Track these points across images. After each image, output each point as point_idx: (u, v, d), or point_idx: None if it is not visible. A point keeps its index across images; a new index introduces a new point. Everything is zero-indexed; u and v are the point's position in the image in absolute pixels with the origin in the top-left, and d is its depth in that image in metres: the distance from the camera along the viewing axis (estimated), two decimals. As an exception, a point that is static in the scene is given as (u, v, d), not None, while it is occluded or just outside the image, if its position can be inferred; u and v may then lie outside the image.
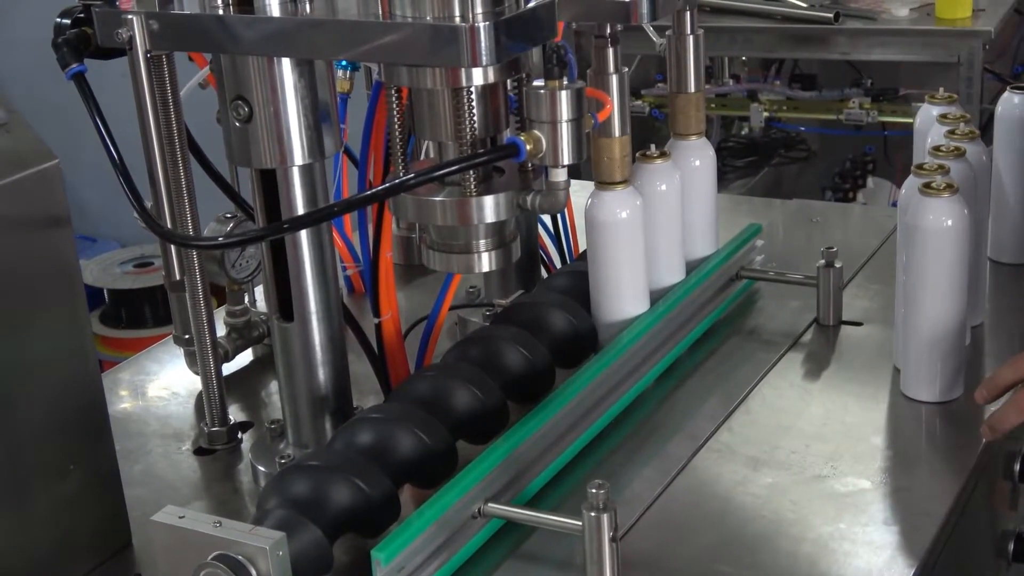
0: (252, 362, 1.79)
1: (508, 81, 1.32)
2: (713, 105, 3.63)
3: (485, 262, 1.36)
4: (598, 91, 1.37)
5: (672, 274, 1.68)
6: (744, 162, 4.09)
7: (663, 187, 1.63)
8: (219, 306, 1.77)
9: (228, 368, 1.75)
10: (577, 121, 1.24)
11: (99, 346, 4.24)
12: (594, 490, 1.23)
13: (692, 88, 1.67)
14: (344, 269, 1.95)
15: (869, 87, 3.49)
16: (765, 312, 1.80)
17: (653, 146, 1.64)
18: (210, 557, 1.18)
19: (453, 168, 1.24)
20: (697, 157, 1.72)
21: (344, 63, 1.82)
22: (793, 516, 1.37)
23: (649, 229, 1.60)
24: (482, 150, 1.27)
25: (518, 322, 1.55)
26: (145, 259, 4.34)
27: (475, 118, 1.27)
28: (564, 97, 1.23)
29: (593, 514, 1.23)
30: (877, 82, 3.52)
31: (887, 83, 3.54)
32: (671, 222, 1.65)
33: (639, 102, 3.63)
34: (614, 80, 1.46)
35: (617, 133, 1.43)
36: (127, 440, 1.61)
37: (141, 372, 1.80)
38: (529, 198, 1.29)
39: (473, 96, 1.26)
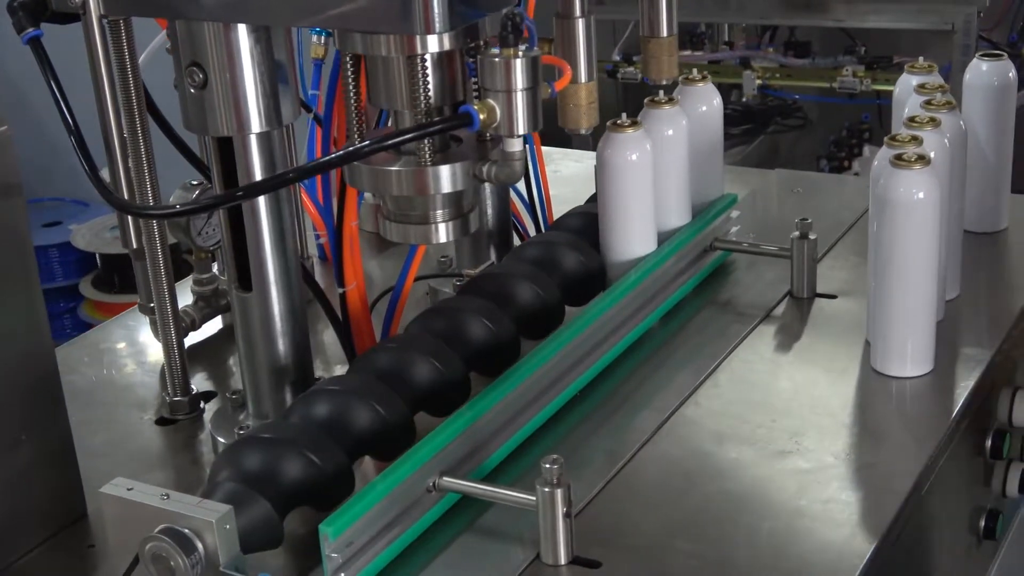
0: (220, 331, 1.77)
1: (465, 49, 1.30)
2: (706, 72, 3.58)
3: (442, 233, 1.34)
4: (558, 59, 1.35)
5: (679, 217, 1.72)
6: (740, 130, 4.05)
7: (670, 132, 1.66)
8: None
9: (195, 337, 1.74)
10: (533, 90, 1.21)
11: (91, 311, 4.24)
12: (548, 465, 1.22)
13: (664, 33, 1.65)
14: (317, 237, 1.93)
15: (863, 55, 3.45)
16: (740, 284, 1.78)
17: (662, 92, 1.68)
18: (156, 530, 1.17)
19: (405, 137, 1.21)
20: (705, 103, 1.76)
21: (317, 30, 1.79)
22: (755, 492, 1.35)
23: (657, 172, 1.63)
24: (436, 119, 1.25)
25: (484, 293, 1.54)
26: (138, 224, 4.32)
27: (430, 86, 1.24)
28: (519, 65, 1.20)
29: (547, 489, 1.22)
30: (871, 50, 3.48)
31: (882, 51, 3.50)
32: (679, 165, 1.69)
33: (632, 68, 3.59)
34: (580, 25, 1.45)
35: (583, 79, 1.42)
36: (90, 409, 1.59)
37: (109, 340, 1.79)
38: (485, 168, 1.27)
39: (428, 64, 1.24)
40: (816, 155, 3.87)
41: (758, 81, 3.55)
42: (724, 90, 4.03)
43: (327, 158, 1.24)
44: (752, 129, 4.05)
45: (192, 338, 1.72)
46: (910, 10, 3.22)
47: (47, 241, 4.28)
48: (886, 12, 3.25)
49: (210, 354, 1.72)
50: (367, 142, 1.22)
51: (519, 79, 1.21)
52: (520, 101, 1.21)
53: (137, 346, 1.76)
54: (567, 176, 2.22)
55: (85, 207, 4.56)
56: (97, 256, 4.20)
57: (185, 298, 1.72)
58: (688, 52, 3.66)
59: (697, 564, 1.25)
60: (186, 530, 1.17)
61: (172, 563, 1.16)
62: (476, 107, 1.21)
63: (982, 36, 3.28)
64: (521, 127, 1.22)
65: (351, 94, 1.30)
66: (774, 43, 3.67)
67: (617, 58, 3.64)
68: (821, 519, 1.30)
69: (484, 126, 1.22)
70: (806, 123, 4.06)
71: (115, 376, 1.69)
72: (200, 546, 1.17)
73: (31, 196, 4.65)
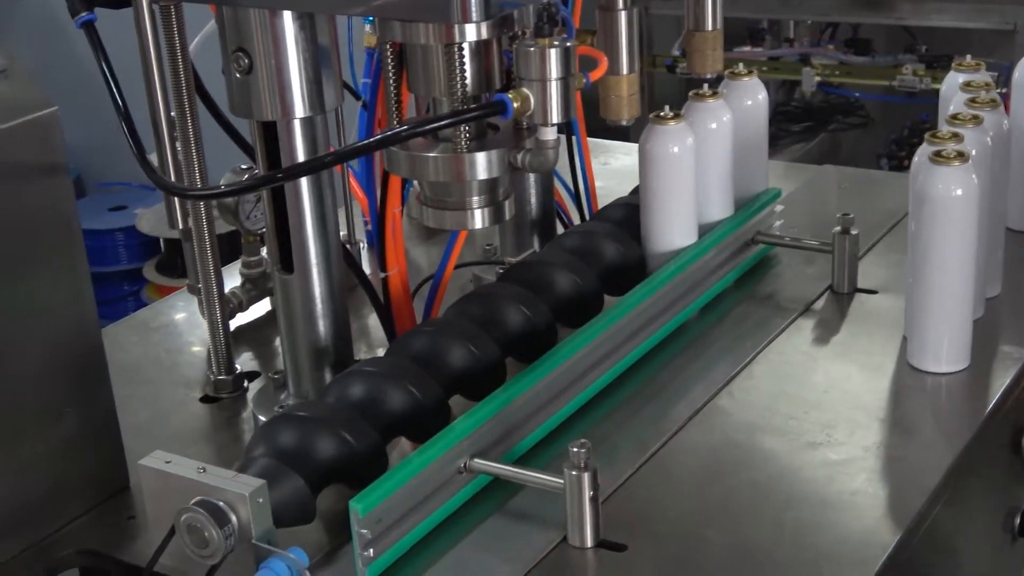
0: (266, 313, 1.80)
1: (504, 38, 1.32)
2: (765, 68, 3.59)
3: (478, 219, 1.36)
4: (595, 49, 1.37)
5: (721, 210, 1.73)
6: (801, 127, 4.05)
7: (713, 125, 1.68)
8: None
9: (243, 318, 1.77)
10: (566, 80, 1.23)
11: (153, 294, 4.31)
12: (576, 449, 1.24)
13: (709, 26, 1.66)
14: (366, 224, 1.96)
15: (923, 53, 3.44)
16: (781, 278, 1.79)
17: (706, 85, 1.69)
18: (192, 502, 1.20)
19: (442, 123, 1.24)
20: (750, 97, 1.76)
21: (370, 19, 1.82)
22: (783, 482, 1.36)
23: (700, 165, 1.65)
24: (472, 106, 1.27)
25: (523, 280, 1.56)
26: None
27: (467, 74, 1.27)
28: (553, 55, 1.22)
29: (574, 473, 1.24)
30: (932, 49, 3.46)
31: (943, 50, 3.48)
32: (721, 159, 1.70)
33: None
34: (622, 17, 1.46)
35: (625, 71, 1.44)
36: (137, 386, 1.64)
37: (159, 319, 1.83)
38: (519, 156, 1.29)
39: (465, 52, 1.26)
40: (877, 154, 3.86)
41: (817, 78, 3.54)
42: (784, 87, 4.04)
43: (364, 142, 1.28)
44: (812, 127, 4.04)
45: (239, 319, 1.76)
46: (972, 9, 3.20)
47: (113, 225, 4.36)
48: (948, 11, 3.24)
49: (256, 335, 1.76)
50: (404, 127, 1.24)
51: (553, 68, 1.23)
52: (554, 90, 1.24)
53: (186, 326, 1.80)
54: (616, 168, 2.23)
55: (151, 192, 4.63)
56: (161, 240, 4.27)
57: (234, 280, 1.76)
58: (748, 48, 3.67)
59: (721, 551, 1.27)
60: (220, 502, 1.20)
61: (206, 534, 1.19)
62: (510, 95, 1.23)
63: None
64: (555, 116, 1.24)
65: (391, 82, 1.32)
66: (835, 40, 3.65)
67: (677, 53, 3.64)
68: (847, 510, 1.31)
69: (518, 114, 1.24)
70: (868, 121, 4.05)
71: (162, 354, 1.73)
72: (234, 518, 1.20)
73: (99, 180, 4.74)
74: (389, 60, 1.32)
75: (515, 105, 1.22)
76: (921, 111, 3.80)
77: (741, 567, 1.25)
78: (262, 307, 1.81)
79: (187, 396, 1.62)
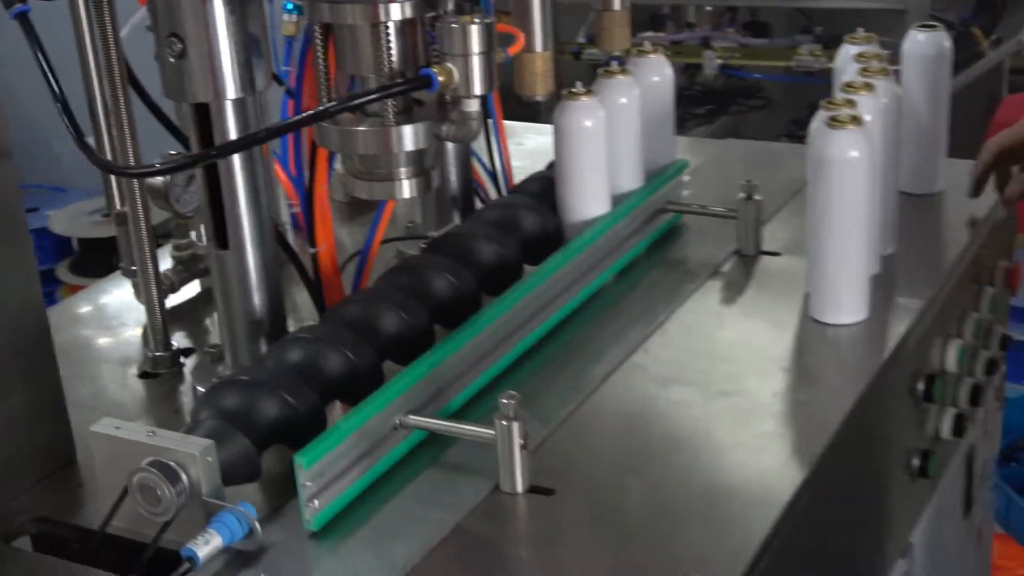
0: (197, 295, 1.86)
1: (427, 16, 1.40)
2: (668, 52, 3.68)
3: (406, 189, 1.44)
4: (512, 27, 1.45)
5: (632, 181, 1.83)
6: (704, 110, 4.17)
7: (623, 100, 1.77)
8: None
9: (174, 299, 1.83)
10: (487, 54, 1.32)
11: (67, 295, 4.32)
12: (505, 401, 1.32)
13: (617, 6, 1.75)
14: (290, 206, 2.03)
15: (819, 34, 3.57)
16: (690, 244, 1.89)
17: (615, 63, 1.78)
18: (144, 463, 1.27)
19: (371, 97, 1.31)
20: (656, 74, 1.86)
21: (290, 6, 1.89)
22: (696, 429, 1.46)
23: (611, 138, 1.74)
24: (399, 80, 1.35)
25: (448, 251, 1.64)
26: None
27: (393, 52, 1.35)
28: (475, 31, 1.31)
29: (504, 423, 1.32)
30: (827, 29, 3.59)
31: (838, 31, 3.61)
32: (631, 132, 1.79)
33: (596, 50, 3.69)
34: None
35: (539, 49, 1.51)
36: (77, 366, 1.69)
37: (92, 304, 1.88)
38: (444, 128, 1.37)
39: (391, 31, 1.34)
40: (777, 134, 3.98)
41: (719, 61, 3.65)
42: (687, 70, 4.16)
43: (298, 117, 1.35)
44: (714, 110, 4.16)
45: (170, 300, 1.81)
46: (864, -10, 3.33)
47: (25, 227, 4.34)
48: (841, -8, 3.37)
49: (188, 315, 1.82)
50: (334, 102, 1.32)
51: (475, 44, 1.31)
52: (476, 64, 1.32)
53: (116, 310, 1.86)
54: (529, 149, 2.31)
55: (62, 193, 4.65)
56: (74, 240, 4.28)
57: (164, 264, 1.82)
58: (651, 33, 3.77)
59: (641, 491, 1.36)
60: (171, 462, 1.27)
61: (159, 492, 1.26)
62: (436, 70, 1.31)
63: (935, 15, 3.40)
64: (477, 88, 1.33)
65: (320, 62, 1.40)
66: (735, 24, 3.78)
67: (582, 40, 3.74)
68: (757, 451, 1.40)
69: (443, 87, 1.32)
70: (768, 103, 4.18)
71: (96, 336, 1.79)
72: (184, 477, 1.27)
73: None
74: (319, 41, 1.39)
75: (440, 79, 1.30)
76: (818, 91, 3.92)
77: (659, 504, 1.34)
78: (191, 289, 1.87)
79: (125, 373, 1.68)
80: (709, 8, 3.87)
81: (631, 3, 1.83)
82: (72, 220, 4.29)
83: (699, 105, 4.15)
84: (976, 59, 3.52)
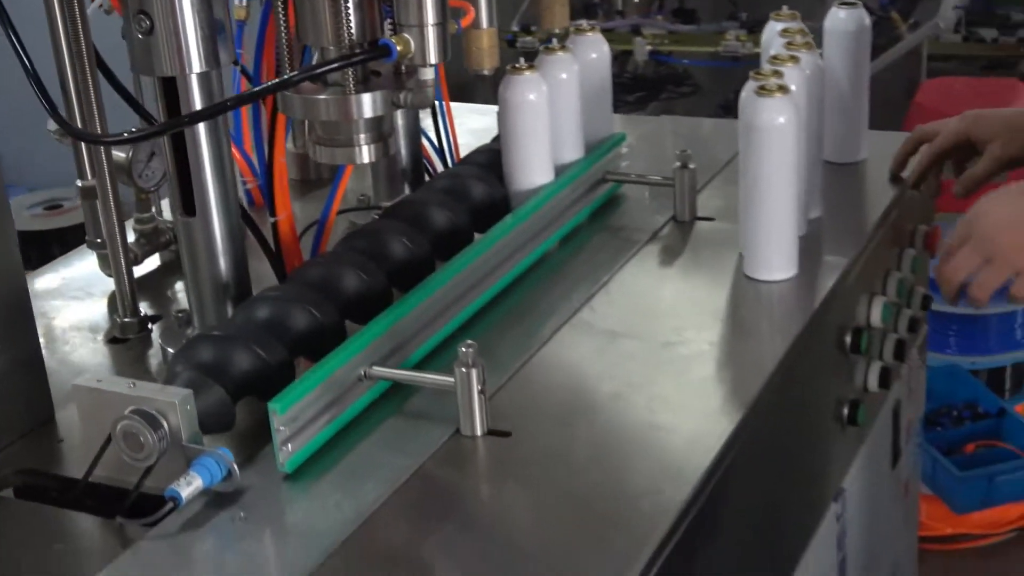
0: (159, 267, 1.94)
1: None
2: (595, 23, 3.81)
3: (366, 154, 1.53)
4: (463, 2, 1.55)
5: (574, 152, 1.92)
6: (634, 97, 4.28)
7: (563, 75, 1.87)
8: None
9: (137, 272, 1.90)
10: (442, 25, 1.42)
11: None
12: (464, 349, 1.42)
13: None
14: (245, 183, 2.11)
15: (744, 20, 3.69)
16: (629, 213, 1.99)
17: (556, 40, 1.88)
18: (127, 411, 1.35)
19: (333, 67, 1.41)
20: (594, 51, 1.96)
21: (243, -9, 1.98)
22: (640, 377, 1.55)
23: (553, 112, 1.83)
24: (359, 51, 1.44)
25: (402, 218, 1.73)
26: (54, 202, 4.46)
27: (352, 24, 1.44)
28: (429, 3, 1.40)
29: (463, 370, 1.42)
30: (752, 15, 3.72)
31: (762, 17, 3.74)
32: (572, 106, 1.89)
33: (530, 37, 3.80)
34: None
35: (485, 25, 1.61)
36: (48, 334, 1.76)
37: (59, 276, 1.95)
38: (402, 95, 1.47)
39: (350, 4, 1.43)
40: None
41: (648, 47, 3.77)
42: (618, 58, 4.27)
43: (263, 86, 1.43)
44: (645, 97, 4.28)
45: (135, 273, 1.89)
46: (787, -24, 3.45)
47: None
48: (765, -21, 3.49)
49: (152, 286, 1.89)
50: (297, 72, 1.41)
51: (430, 15, 1.41)
52: (431, 34, 1.42)
53: (82, 282, 1.92)
54: (472, 128, 2.40)
55: (2, 187, 4.67)
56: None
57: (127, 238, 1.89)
58: (583, 21, 3.87)
59: (589, 431, 1.46)
60: (152, 411, 1.35)
61: (141, 439, 1.34)
62: (394, 40, 1.40)
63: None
64: (433, 57, 1.42)
65: (282, 33, 1.48)
66: (663, 11, 3.90)
67: (516, 29, 3.85)
68: (698, 394, 1.51)
69: (400, 57, 1.41)
70: (697, 89, 4.30)
71: (64, 306, 1.86)
72: (165, 424, 1.35)
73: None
74: (280, 13, 1.48)
75: (398, 48, 1.40)
76: (744, 76, 4.05)
77: (608, 442, 1.44)
78: (153, 262, 1.95)
79: (95, 339, 1.75)
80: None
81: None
82: (14, 214, 4.31)
83: (630, 92, 4.26)
84: (895, 42, 3.67)
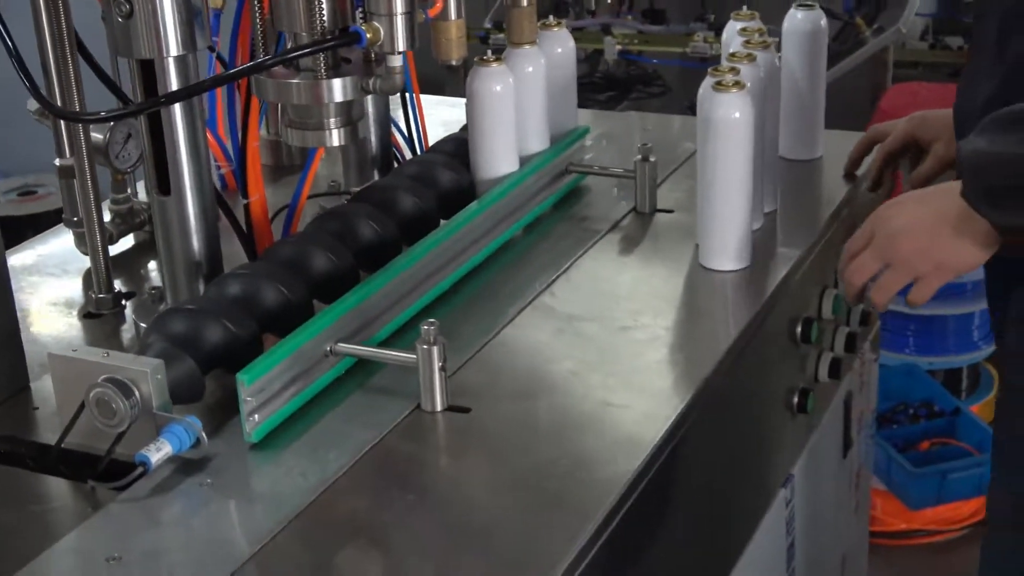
0: (133, 246, 1.99)
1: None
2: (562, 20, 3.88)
3: (335, 137, 1.59)
4: (429, -9, 1.62)
5: (539, 143, 1.98)
6: (605, 96, 4.35)
7: (530, 69, 1.92)
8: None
9: (112, 250, 1.95)
10: (410, 14, 1.48)
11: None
12: (426, 327, 1.47)
13: (524, 3, 1.91)
14: (219, 168, 2.16)
15: (712, 21, 3.76)
16: (591, 204, 2.05)
17: (524, 33, 1.93)
18: (100, 379, 1.40)
19: (304, 52, 1.47)
20: (560, 45, 2.02)
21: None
22: (598, 357, 1.62)
23: (519, 104, 1.89)
24: (330, 37, 1.50)
25: (371, 202, 1.79)
26: (29, 188, 4.49)
27: (324, 11, 1.50)
28: (399, -7, 1.47)
29: (425, 347, 1.47)
30: (720, 17, 3.79)
31: (728, 17, 3.81)
32: (537, 98, 1.95)
33: (501, 35, 3.85)
34: None
35: (453, 17, 1.66)
36: (24, 309, 1.81)
37: (36, 254, 2.00)
38: (371, 81, 1.53)
39: (323, -8, 1.50)
40: (675, 119, 4.18)
41: (618, 47, 3.83)
42: (588, 58, 4.34)
43: (237, 68, 1.49)
44: (615, 96, 4.35)
45: (110, 252, 1.94)
46: (754, -20, 3.52)
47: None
48: (733, -18, 3.56)
49: (126, 264, 1.95)
50: (270, 56, 1.46)
51: (399, 4, 1.47)
52: (400, 23, 1.48)
53: (58, 259, 1.97)
54: (440, 119, 2.46)
55: (-24, 172, 4.70)
56: (-12, 216, 4.34)
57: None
58: (550, 17, 3.94)
59: (548, 409, 1.52)
60: (125, 379, 1.40)
61: (113, 406, 1.40)
62: (364, 28, 1.46)
63: (820, 4, 3.60)
64: (401, 44, 1.48)
65: (256, 20, 1.54)
66: (633, 12, 3.96)
67: (488, 26, 3.91)
68: (653, 374, 1.58)
69: (370, 44, 1.47)
70: (666, 90, 4.37)
71: (40, 282, 1.91)
72: (137, 392, 1.40)
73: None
74: (256, 2, 1.54)
75: (368, 36, 1.46)
76: (713, 78, 4.13)
77: (563, 418, 1.50)
78: (127, 242, 2.00)
79: (69, 314, 1.81)
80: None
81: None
82: (-9, 197, 4.36)
83: (601, 92, 4.33)
84: (858, 47, 3.75)
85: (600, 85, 4.34)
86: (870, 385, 2.45)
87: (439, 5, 1.56)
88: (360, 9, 1.53)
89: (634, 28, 3.88)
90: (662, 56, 3.93)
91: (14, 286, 1.84)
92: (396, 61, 1.50)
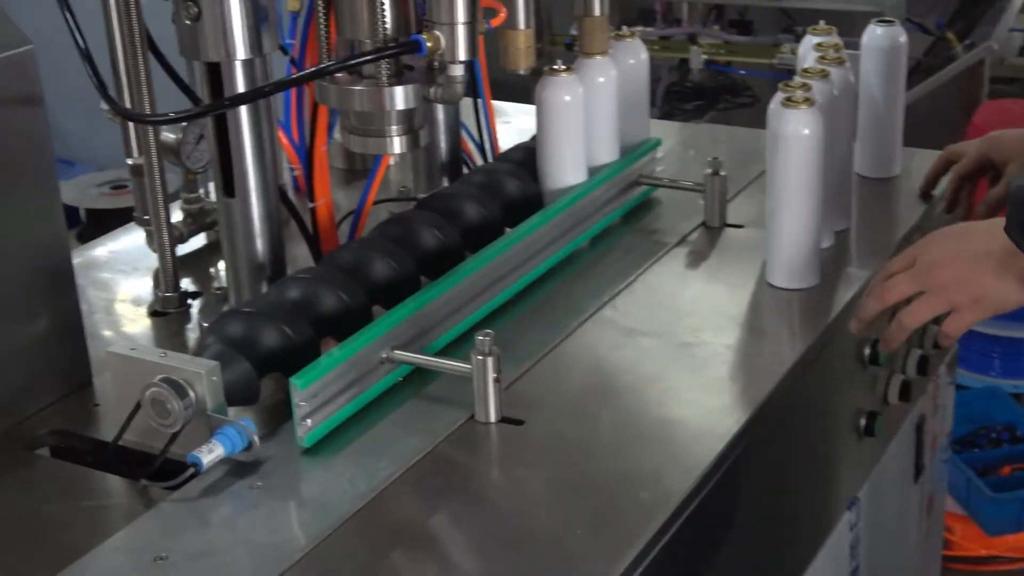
0: (204, 246, 2.01)
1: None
2: (656, 47, 3.86)
3: (396, 144, 1.60)
4: (495, 2, 1.61)
5: (608, 154, 1.96)
6: (692, 106, 4.32)
7: (601, 79, 1.91)
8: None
9: (182, 249, 1.97)
10: (472, 24, 1.48)
11: (73, 263, 4.46)
12: (481, 338, 1.47)
13: (597, 12, 1.89)
14: (291, 170, 2.17)
15: (799, 34, 3.72)
16: (661, 216, 2.04)
17: (596, 43, 1.91)
18: (156, 379, 1.42)
19: (365, 59, 1.47)
20: (633, 56, 2.00)
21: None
22: (655, 372, 1.60)
23: (589, 115, 1.88)
24: (392, 44, 1.51)
25: (436, 209, 1.79)
26: (121, 182, 4.56)
27: (387, 19, 1.50)
28: (460, 2, 1.47)
29: (480, 357, 1.47)
30: (807, 28, 3.74)
31: (817, 31, 3.77)
32: (608, 109, 1.93)
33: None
34: None
35: (522, 26, 1.66)
36: (94, 304, 1.84)
37: (108, 250, 2.03)
38: (432, 90, 1.53)
39: (385, 1, 1.50)
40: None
41: (704, 56, 3.81)
42: (678, 67, 4.32)
43: (300, 74, 1.50)
44: (703, 106, 4.32)
45: (179, 250, 1.96)
46: (844, -7, 3.50)
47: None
48: (823, -5, 3.53)
49: (195, 264, 1.96)
50: (333, 62, 1.47)
51: (460, 14, 1.47)
52: (461, 33, 1.48)
53: (129, 256, 2.00)
54: (515, 127, 2.45)
55: (71, 166, 4.79)
56: (82, 211, 4.42)
57: (174, 217, 1.96)
58: (640, 28, 3.93)
59: (604, 424, 1.51)
60: (180, 380, 1.42)
61: (168, 406, 1.41)
62: (424, 36, 1.47)
63: (911, 20, 3.56)
64: (462, 54, 1.48)
65: (322, 27, 1.55)
66: (721, 21, 3.93)
67: (575, 33, 3.89)
68: (710, 392, 1.56)
69: (431, 52, 1.47)
70: (755, 101, 4.33)
71: (111, 279, 1.93)
72: (192, 393, 1.42)
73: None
74: (321, 10, 1.55)
75: (428, 44, 1.46)
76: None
77: (618, 433, 1.49)
78: (198, 241, 2.02)
79: (137, 312, 1.83)
80: (697, 6, 4.03)
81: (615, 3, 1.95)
82: (81, 191, 4.43)
83: (688, 101, 4.30)
84: (949, 62, 3.68)
85: (687, 94, 4.32)
86: (945, 408, 2.40)
87: (502, 15, 1.56)
88: (424, 17, 1.53)
89: (720, 38, 3.84)
90: (748, 67, 3.90)
91: (85, 282, 1.89)
92: (457, 71, 1.50)
